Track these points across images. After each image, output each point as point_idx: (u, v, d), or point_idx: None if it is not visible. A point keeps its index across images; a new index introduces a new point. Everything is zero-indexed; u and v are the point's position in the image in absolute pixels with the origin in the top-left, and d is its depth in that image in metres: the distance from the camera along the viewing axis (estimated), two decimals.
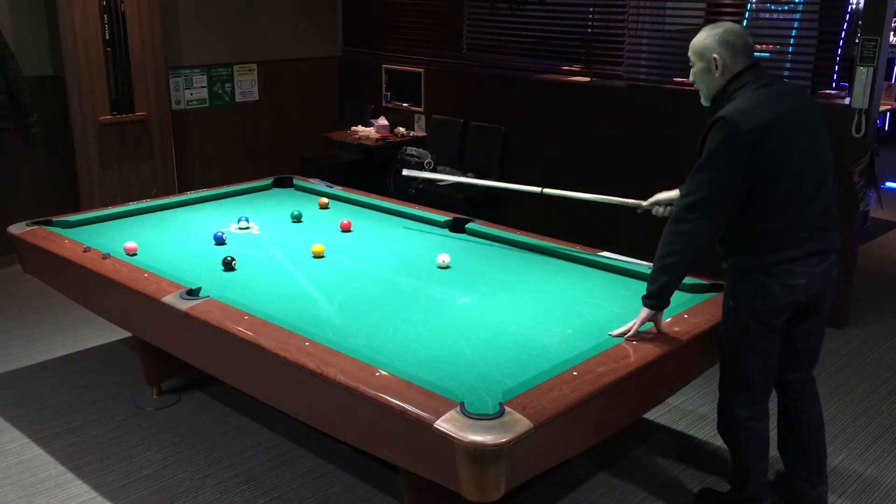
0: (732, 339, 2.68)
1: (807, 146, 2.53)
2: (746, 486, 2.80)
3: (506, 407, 2.10)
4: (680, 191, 2.76)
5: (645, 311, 2.56)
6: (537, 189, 3.51)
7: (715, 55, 2.56)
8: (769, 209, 2.51)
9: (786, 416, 2.89)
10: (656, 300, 2.54)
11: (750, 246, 2.58)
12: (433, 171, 6.04)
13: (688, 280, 3.04)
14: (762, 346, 2.65)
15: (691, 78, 2.68)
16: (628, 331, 2.57)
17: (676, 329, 2.63)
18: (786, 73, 5.06)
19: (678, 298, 2.92)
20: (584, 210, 5.57)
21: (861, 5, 4.46)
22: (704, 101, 2.68)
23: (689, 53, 2.64)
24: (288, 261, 3.39)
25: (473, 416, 2.06)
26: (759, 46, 5.30)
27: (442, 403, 2.13)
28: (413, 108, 6.64)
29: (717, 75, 2.58)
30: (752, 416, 2.72)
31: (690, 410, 3.69)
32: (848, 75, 4.55)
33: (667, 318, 2.69)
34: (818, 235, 2.58)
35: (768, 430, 2.78)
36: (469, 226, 3.78)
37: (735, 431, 2.75)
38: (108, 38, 5.36)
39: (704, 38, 2.60)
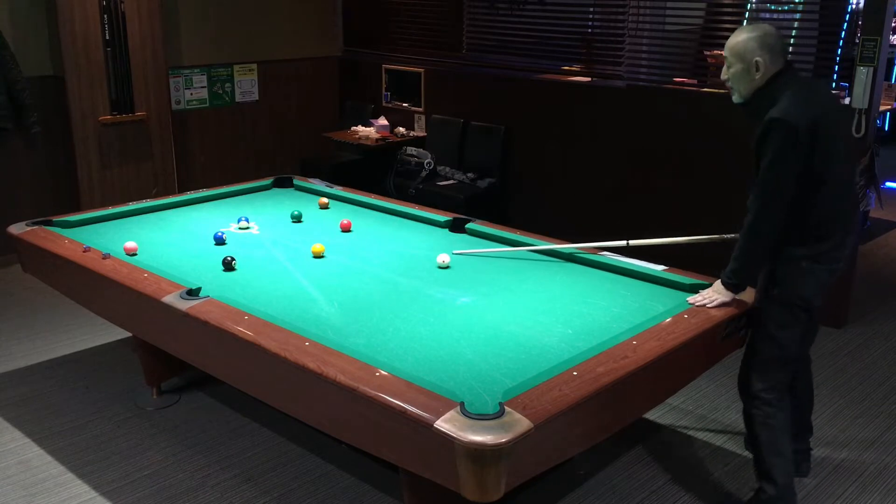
0: (776, 326, 2.77)
1: (843, 136, 2.75)
2: (775, 472, 2.81)
3: (506, 407, 2.10)
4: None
5: (727, 293, 2.79)
6: (622, 242, 3.29)
7: (757, 58, 2.64)
8: (820, 200, 2.65)
9: None
10: (735, 290, 2.79)
11: (801, 235, 2.70)
12: (433, 171, 6.05)
13: (688, 280, 3.04)
14: (804, 328, 2.81)
15: (724, 76, 2.75)
16: (709, 301, 2.81)
17: (677, 329, 2.63)
18: None
19: (678, 298, 2.93)
20: (585, 210, 5.59)
21: (861, 5, 4.46)
22: (737, 99, 2.76)
23: (727, 54, 2.71)
24: (288, 261, 3.39)
25: (473, 416, 2.06)
26: None
27: (442, 403, 2.13)
28: (413, 108, 6.64)
29: (756, 76, 2.66)
30: (777, 398, 2.80)
31: (690, 410, 3.69)
32: (848, 75, 4.55)
33: (667, 319, 2.69)
34: (851, 220, 2.81)
35: (789, 412, 2.87)
36: (469, 226, 3.78)
37: (762, 415, 2.81)
38: (108, 38, 5.36)
39: (745, 40, 2.66)
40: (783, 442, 2.81)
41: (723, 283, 2.79)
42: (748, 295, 2.84)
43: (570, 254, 3.40)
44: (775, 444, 2.80)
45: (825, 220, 2.70)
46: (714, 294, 2.81)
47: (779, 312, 2.77)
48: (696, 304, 2.82)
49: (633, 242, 3.25)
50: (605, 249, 3.33)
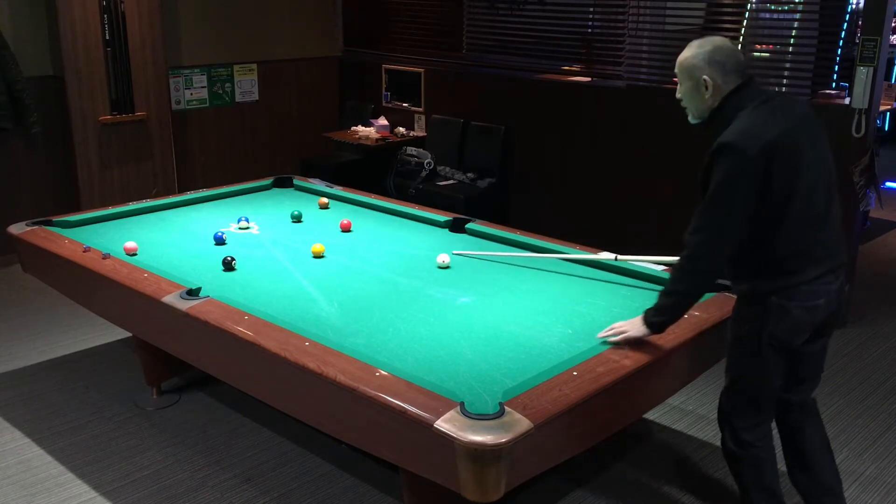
0: (745, 364, 2.55)
1: (813, 160, 2.41)
2: None
3: (506, 407, 2.10)
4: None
5: (643, 329, 2.48)
6: (612, 256, 3.17)
7: (705, 76, 2.42)
8: (784, 230, 2.38)
9: (791, 446, 2.76)
10: (656, 329, 2.48)
11: (766, 269, 2.44)
12: (433, 171, 6.04)
13: None
14: (777, 368, 2.54)
15: (678, 95, 2.53)
16: (616, 334, 2.51)
17: (677, 329, 2.62)
18: (786, 74, 5.06)
19: None
20: (585, 210, 5.59)
21: (861, 5, 4.46)
22: (692, 120, 2.54)
23: (676, 70, 2.50)
24: (288, 261, 3.39)
25: (473, 416, 2.06)
26: (758, 46, 5.31)
27: (442, 403, 2.13)
28: (413, 108, 6.64)
29: (706, 96, 2.44)
30: (759, 438, 2.60)
31: (690, 410, 3.69)
32: (848, 75, 4.55)
33: None
34: (832, 252, 2.47)
35: (774, 450, 2.67)
36: (469, 226, 3.77)
37: (745, 456, 2.61)
38: (108, 38, 5.36)
39: (692, 56, 2.45)
40: (768, 478, 2.63)
41: (644, 321, 2.47)
42: None
43: (570, 254, 3.40)
44: (760, 480, 2.62)
45: (793, 255, 2.41)
46: (626, 327, 2.51)
47: (748, 351, 2.52)
48: (602, 336, 2.55)
49: (621, 257, 3.18)
50: (592, 261, 3.26)
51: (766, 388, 2.57)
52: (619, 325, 2.54)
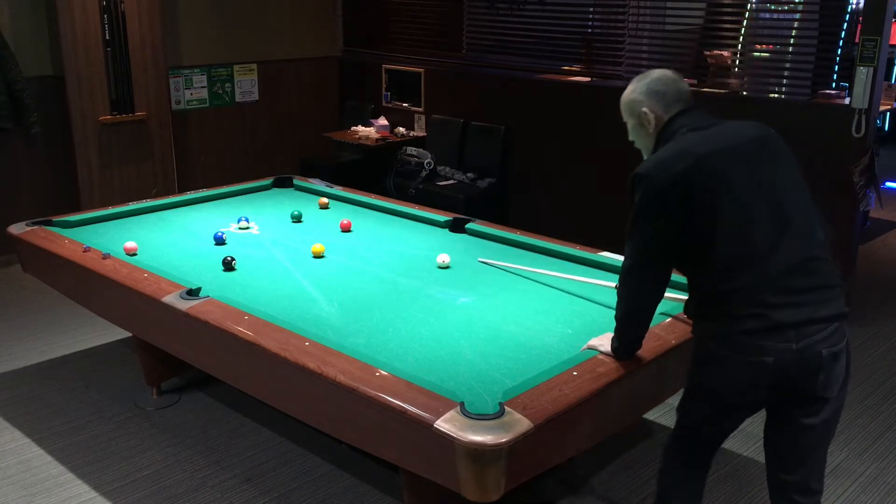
0: (682, 411, 2.30)
1: (755, 185, 2.10)
2: None
3: (506, 407, 2.10)
4: None
5: (607, 349, 2.38)
6: (612, 286, 2.86)
7: (644, 109, 2.26)
8: (718, 266, 2.08)
9: None
10: (620, 354, 2.36)
11: (707, 310, 2.16)
12: (433, 171, 6.04)
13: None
14: (719, 428, 2.25)
15: (630, 137, 2.37)
16: (593, 348, 2.43)
17: (676, 330, 2.63)
18: (786, 74, 5.06)
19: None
20: (585, 210, 5.58)
21: (861, 5, 4.46)
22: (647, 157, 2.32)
23: (621, 109, 2.35)
24: (288, 261, 3.39)
25: (473, 416, 2.06)
26: (758, 46, 5.31)
27: (442, 403, 2.13)
28: (413, 108, 6.64)
29: (650, 130, 2.27)
30: (680, 492, 2.35)
31: None
32: (848, 75, 4.55)
33: (667, 320, 2.69)
34: (794, 301, 2.05)
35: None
36: (469, 226, 3.77)
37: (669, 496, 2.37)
38: (108, 38, 5.36)
39: (631, 90, 2.30)
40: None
41: (611, 344, 2.38)
42: None
43: (571, 254, 3.40)
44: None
45: (734, 293, 2.07)
46: (597, 344, 2.43)
47: (685, 395, 2.28)
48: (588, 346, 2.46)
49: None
50: (594, 281, 3.13)
51: (695, 444, 2.30)
52: (593, 343, 2.45)
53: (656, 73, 2.31)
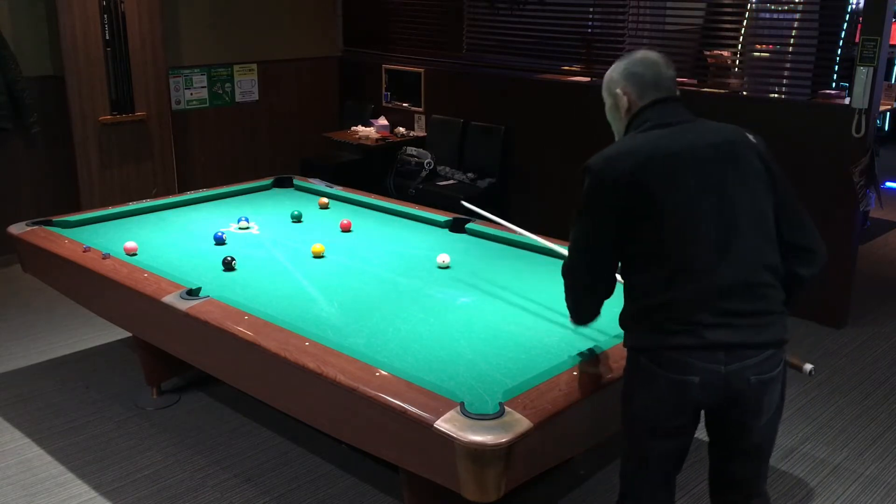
0: (628, 433, 2.18)
1: (703, 195, 1.97)
2: None
3: (506, 407, 2.10)
4: None
5: None
6: None
7: (618, 89, 2.14)
8: (655, 276, 1.99)
9: None
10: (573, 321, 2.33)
11: (640, 322, 2.05)
12: (433, 171, 6.05)
13: None
14: (653, 452, 2.13)
15: (607, 117, 2.25)
16: None
17: None
18: (786, 73, 5.06)
19: None
20: None
21: (861, 5, 4.46)
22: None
23: (602, 87, 2.24)
24: (288, 261, 3.39)
25: (473, 416, 2.06)
26: (759, 46, 5.31)
27: (442, 403, 2.13)
28: (413, 108, 6.64)
29: (622, 114, 2.16)
30: None
31: None
32: (848, 75, 4.55)
33: None
34: (730, 322, 1.95)
35: None
36: (469, 226, 3.77)
37: None
38: (108, 38, 5.36)
39: (611, 70, 2.18)
40: None
41: None
42: None
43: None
44: None
45: (667, 304, 1.97)
46: None
47: (622, 414, 2.16)
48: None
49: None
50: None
51: (646, 463, 2.17)
52: None
53: (640, 53, 2.17)
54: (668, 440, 2.10)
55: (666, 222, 1.98)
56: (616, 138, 2.22)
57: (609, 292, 2.16)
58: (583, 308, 2.23)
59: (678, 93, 2.16)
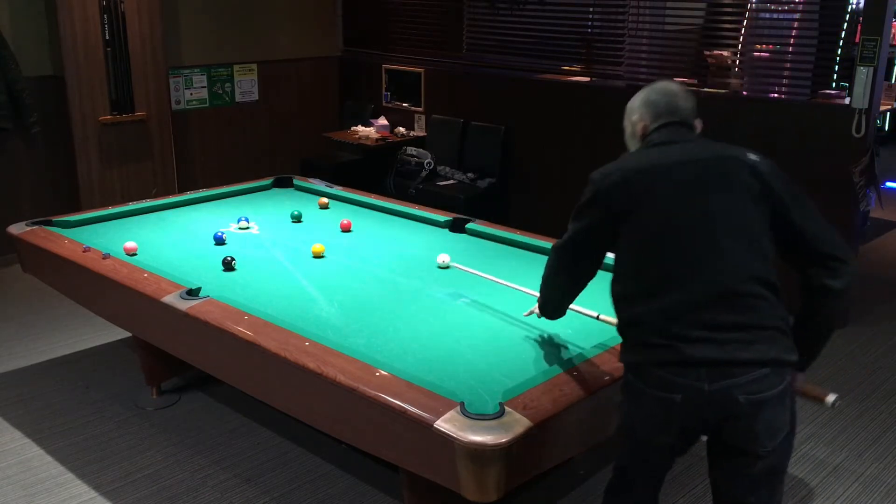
0: (620, 448, 2.17)
1: (685, 208, 1.98)
2: None
3: (506, 407, 2.10)
4: None
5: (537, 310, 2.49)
6: (594, 314, 2.65)
7: (635, 117, 2.21)
8: (635, 287, 2.00)
9: None
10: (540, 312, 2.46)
11: (627, 336, 2.05)
12: (433, 171, 6.05)
13: None
14: (647, 467, 2.13)
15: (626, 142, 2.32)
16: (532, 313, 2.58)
17: None
18: (786, 74, 5.06)
19: None
20: None
21: (861, 5, 4.46)
22: None
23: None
24: (288, 261, 3.39)
25: (473, 416, 2.06)
26: (758, 46, 5.31)
27: (442, 403, 2.13)
28: (413, 108, 6.64)
29: (636, 140, 2.22)
30: None
31: None
32: (848, 75, 4.55)
33: None
34: (712, 337, 1.90)
35: None
36: (469, 226, 3.77)
37: None
38: (108, 38, 5.36)
39: (633, 98, 2.25)
40: None
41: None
42: None
43: None
44: None
45: (642, 318, 1.97)
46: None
47: (616, 429, 2.17)
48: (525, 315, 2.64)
49: (603, 317, 2.63)
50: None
51: (627, 480, 2.19)
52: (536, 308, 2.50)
53: (661, 83, 2.23)
54: (654, 456, 2.10)
55: (645, 231, 2.00)
56: None
57: (574, 295, 2.28)
58: (550, 303, 2.36)
59: (695, 122, 2.19)
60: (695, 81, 5.25)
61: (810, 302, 2.05)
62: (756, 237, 1.98)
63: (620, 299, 2.06)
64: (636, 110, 2.21)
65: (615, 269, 2.08)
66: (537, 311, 2.49)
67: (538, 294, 2.41)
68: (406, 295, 3.04)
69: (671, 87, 2.20)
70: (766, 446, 1.96)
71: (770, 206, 2.00)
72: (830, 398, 2.10)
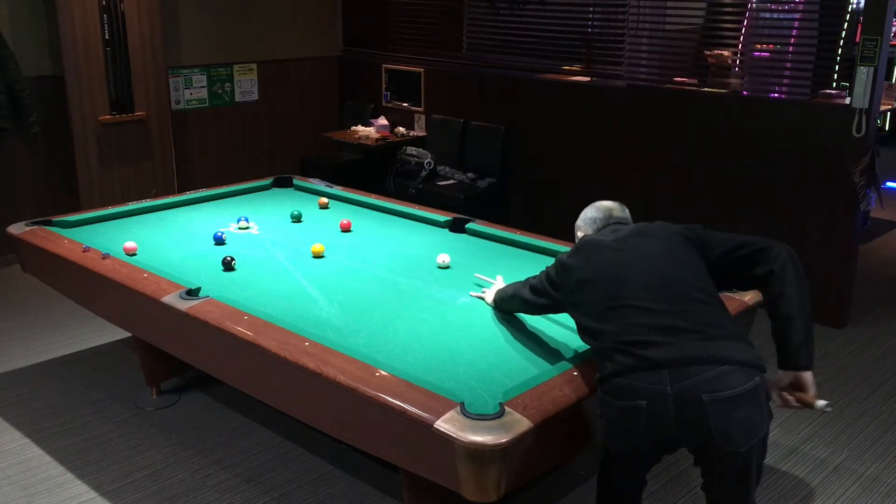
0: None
1: (631, 250, 2.28)
2: None
3: (506, 407, 2.10)
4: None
5: (489, 299, 2.89)
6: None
7: (579, 233, 2.58)
8: (596, 323, 2.18)
9: None
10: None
11: (596, 359, 2.21)
12: (433, 171, 6.04)
13: None
14: (627, 474, 2.27)
15: None
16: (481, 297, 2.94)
17: None
18: (786, 74, 5.06)
19: None
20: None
21: (861, 5, 4.46)
22: None
23: None
24: (288, 261, 3.38)
25: (473, 416, 2.05)
26: (758, 46, 5.31)
27: (442, 403, 2.13)
28: (413, 108, 6.64)
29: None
30: None
31: None
32: (848, 75, 4.55)
33: None
34: (668, 340, 2.03)
35: None
36: (469, 226, 3.77)
37: None
38: (107, 37, 5.36)
39: (579, 217, 2.62)
40: None
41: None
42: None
43: None
44: None
45: (603, 333, 2.15)
46: (486, 295, 2.92)
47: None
48: (475, 295, 2.98)
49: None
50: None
51: (611, 486, 2.32)
52: (486, 292, 2.93)
53: (599, 203, 2.58)
54: (628, 466, 2.24)
55: (595, 277, 2.25)
56: None
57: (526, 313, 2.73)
58: (503, 310, 2.82)
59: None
60: (695, 81, 5.25)
61: (769, 292, 2.21)
62: (693, 263, 2.24)
63: (588, 337, 2.25)
64: (579, 227, 2.59)
65: (577, 325, 2.30)
66: (489, 300, 2.89)
67: (499, 290, 2.84)
68: (406, 295, 3.04)
69: (609, 204, 2.57)
70: (741, 446, 2.01)
71: (693, 244, 2.29)
72: (820, 403, 2.11)
